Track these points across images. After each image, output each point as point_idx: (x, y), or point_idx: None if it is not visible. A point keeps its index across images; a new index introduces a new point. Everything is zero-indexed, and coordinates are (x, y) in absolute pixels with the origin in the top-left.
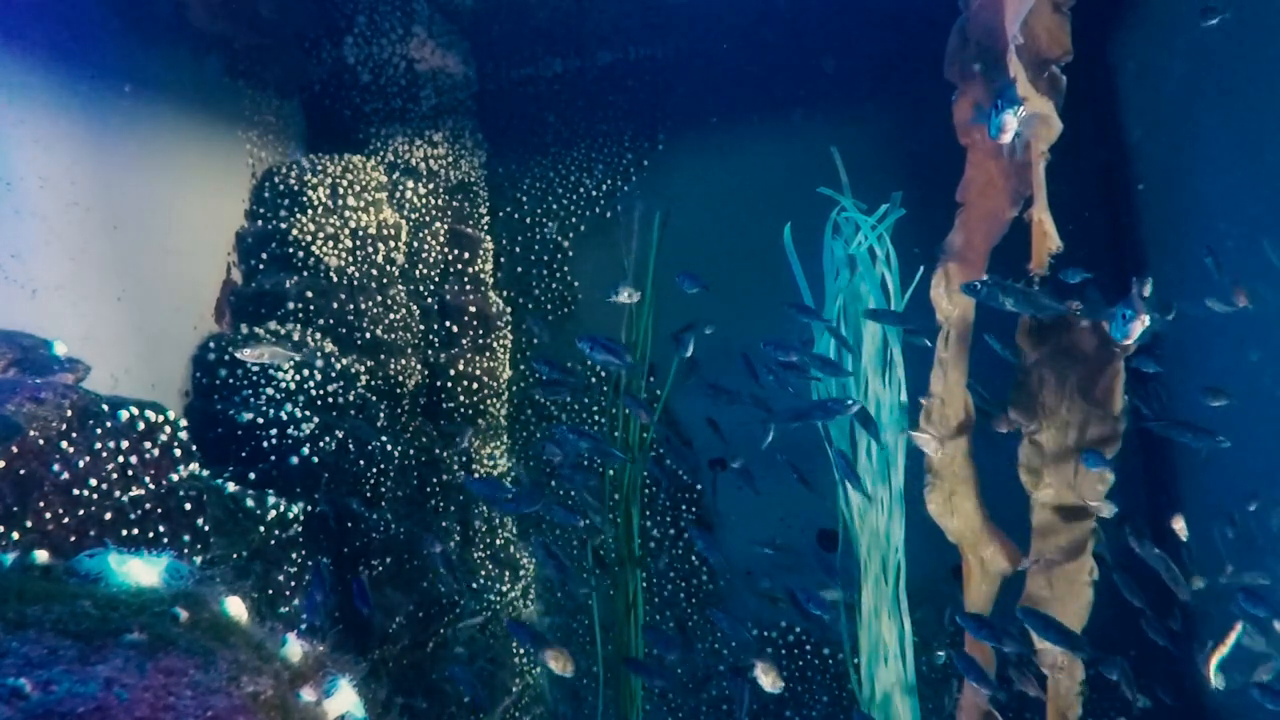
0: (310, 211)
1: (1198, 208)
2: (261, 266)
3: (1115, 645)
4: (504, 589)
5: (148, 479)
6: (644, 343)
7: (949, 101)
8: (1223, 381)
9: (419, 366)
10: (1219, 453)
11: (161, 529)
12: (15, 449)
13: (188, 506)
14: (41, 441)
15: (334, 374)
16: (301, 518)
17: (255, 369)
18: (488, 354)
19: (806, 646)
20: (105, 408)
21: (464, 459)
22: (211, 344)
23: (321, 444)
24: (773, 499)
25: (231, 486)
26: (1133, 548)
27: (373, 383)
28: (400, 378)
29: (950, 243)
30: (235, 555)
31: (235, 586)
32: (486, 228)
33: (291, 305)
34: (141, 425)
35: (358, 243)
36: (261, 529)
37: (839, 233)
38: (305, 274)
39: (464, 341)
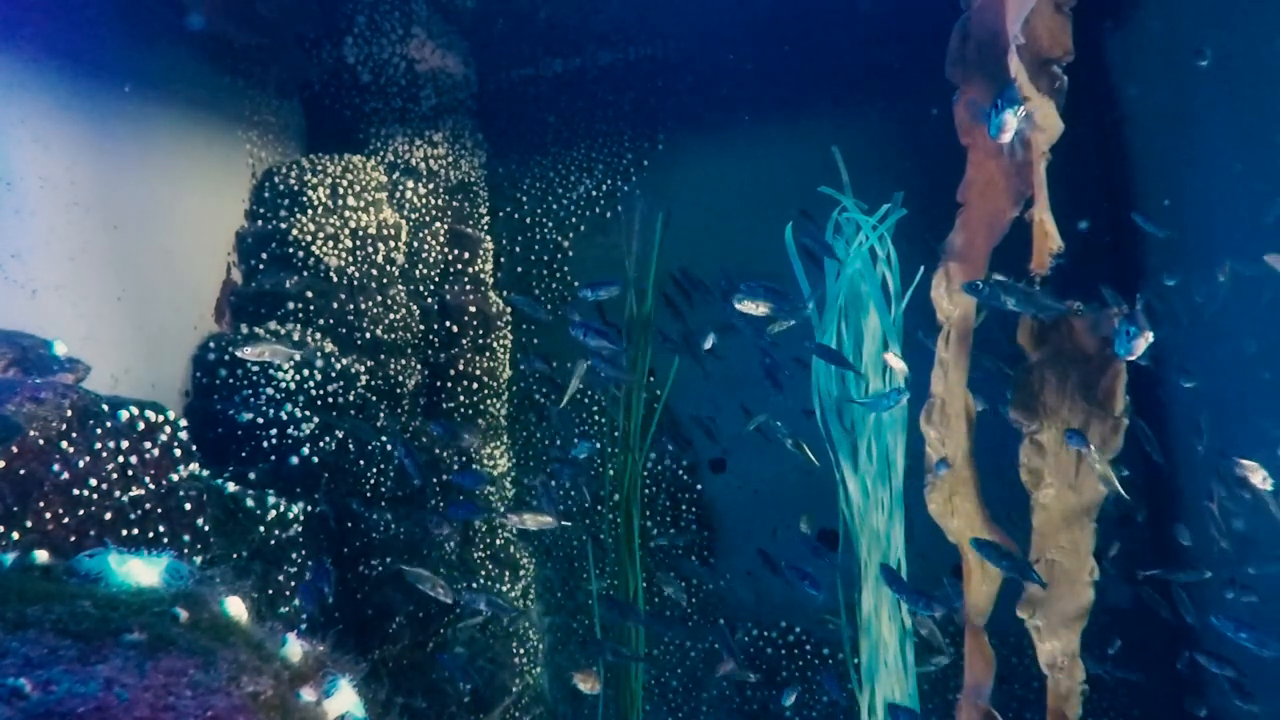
0: (310, 211)
1: (1197, 206)
2: (261, 266)
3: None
4: (504, 589)
5: (148, 479)
6: (645, 343)
7: (950, 101)
8: (1221, 372)
9: (419, 366)
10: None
11: (161, 529)
12: (15, 449)
13: (188, 506)
14: (41, 441)
15: (334, 374)
16: (301, 518)
17: (255, 369)
18: (488, 354)
19: (806, 646)
20: (105, 408)
21: (464, 459)
22: (211, 344)
23: (321, 444)
24: (773, 500)
25: (231, 486)
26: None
27: (373, 383)
28: (400, 378)
29: (951, 243)
30: (235, 555)
31: (235, 586)
32: (486, 228)
33: (291, 305)
34: (141, 425)
35: (358, 243)
36: (261, 529)
37: (840, 232)
38: (305, 274)
39: (464, 341)
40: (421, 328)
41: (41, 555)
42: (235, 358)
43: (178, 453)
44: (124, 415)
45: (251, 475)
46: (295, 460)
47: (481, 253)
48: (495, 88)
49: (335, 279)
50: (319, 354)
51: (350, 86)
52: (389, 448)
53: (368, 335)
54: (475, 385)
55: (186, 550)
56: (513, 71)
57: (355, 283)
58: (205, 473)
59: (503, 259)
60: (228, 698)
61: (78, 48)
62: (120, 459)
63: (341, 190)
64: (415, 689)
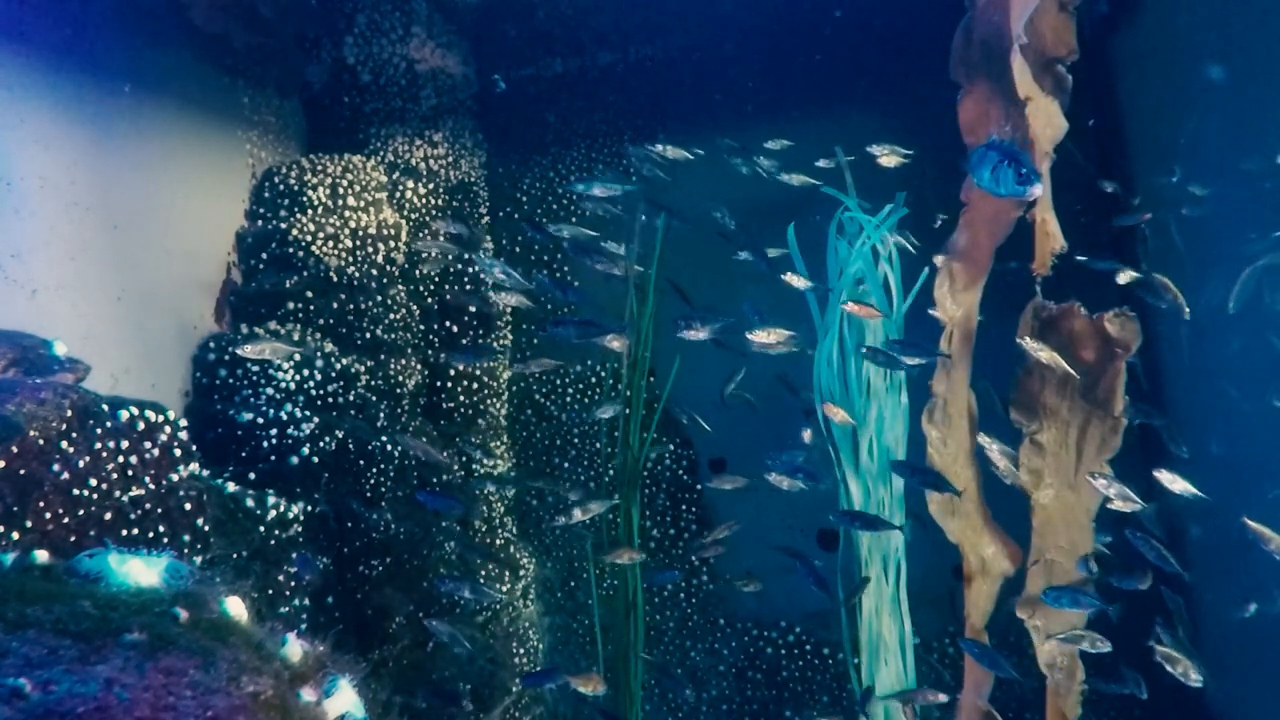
0: (310, 211)
1: (1199, 210)
2: (261, 266)
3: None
4: (503, 589)
5: (148, 479)
6: (645, 344)
7: (954, 100)
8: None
9: (419, 366)
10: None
11: (161, 529)
12: (15, 449)
13: (188, 506)
14: (41, 441)
15: (334, 374)
16: (301, 518)
17: (255, 369)
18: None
19: (806, 646)
20: (105, 408)
21: (464, 459)
22: (211, 344)
23: (321, 444)
24: (774, 501)
25: (231, 486)
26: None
27: (373, 383)
28: (400, 378)
29: (954, 242)
30: (235, 555)
31: (235, 586)
32: (486, 228)
33: (291, 305)
34: (141, 425)
35: (358, 243)
36: (261, 529)
37: (843, 232)
38: (305, 274)
39: (464, 341)
40: (421, 328)
41: (41, 555)
42: (235, 358)
43: (178, 453)
44: (124, 415)
45: (251, 475)
46: (295, 460)
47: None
48: (495, 87)
49: (335, 279)
50: (319, 353)
51: (350, 86)
52: (389, 448)
53: (368, 335)
54: (475, 385)
55: (186, 550)
56: (513, 71)
57: (355, 283)
58: (205, 473)
59: (503, 259)
60: (228, 698)
61: (78, 48)
62: (120, 459)
63: (341, 190)
64: (415, 689)
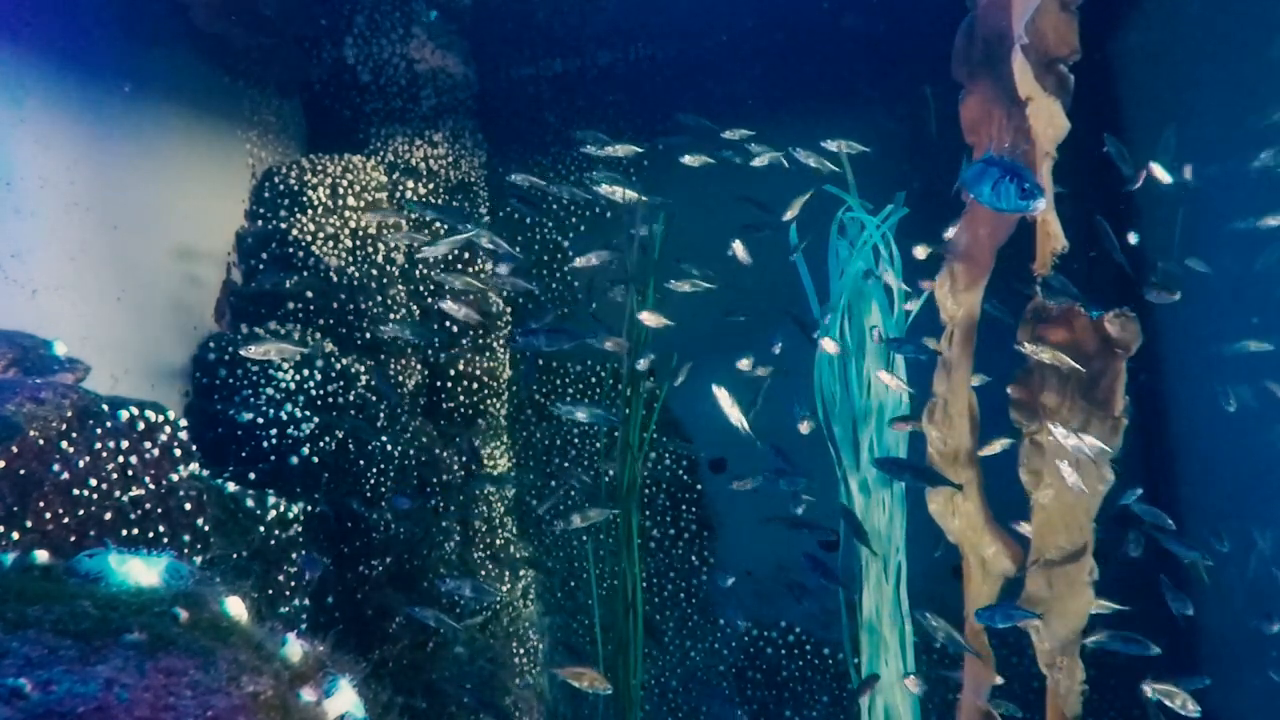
0: (310, 211)
1: (1198, 206)
2: (261, 266)
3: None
4: (503, 589)
5: (148, 479)
6: (644, 344)
7: (956, 100)
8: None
9: (419, 366)
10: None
11: (161, 529)
12: (15, 449)
13: (188, 506)
14: (41, 441)
15: (334, 374)
16: (301, 518)
17: (255, 369)
18: (488, 354)
19: (806, 646)
20: (105, 408)
21: (465, 460)
22: (211, 344)
23: (321, 444)
24: (773, 501)
25: (231, 486)
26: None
27: (373, 382)
28: (400, 378)
29: (956, 242)
30: (235, 555)
31: (235, 586)
32: (486, 228)
33: (291, 305)
34: (141, 425)
35: (358, 243)
36: (261, 529)
37: (844, 232)
38: (305, 274)
39: (464, 341)
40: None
41: (41, 555)
42: (235, 357)
43: (178, 453)
44: (124, 415)
45: (251, 475)
46: (295, 460)
47: (481, 253)
48: (495, 88)
49: (335, 279)
50: (320, 352)
51: (350, 86)
52: (389, 448)
53: (368, 335)
54: (475, 385)
55: (186, 550)
56: (513, 71)
57: (355, 283)
58: (205, 473)
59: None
60: (228, 698)
61: (78, 48)
62: (120, 459)
63: (341, 190)
64: (415, 689)
